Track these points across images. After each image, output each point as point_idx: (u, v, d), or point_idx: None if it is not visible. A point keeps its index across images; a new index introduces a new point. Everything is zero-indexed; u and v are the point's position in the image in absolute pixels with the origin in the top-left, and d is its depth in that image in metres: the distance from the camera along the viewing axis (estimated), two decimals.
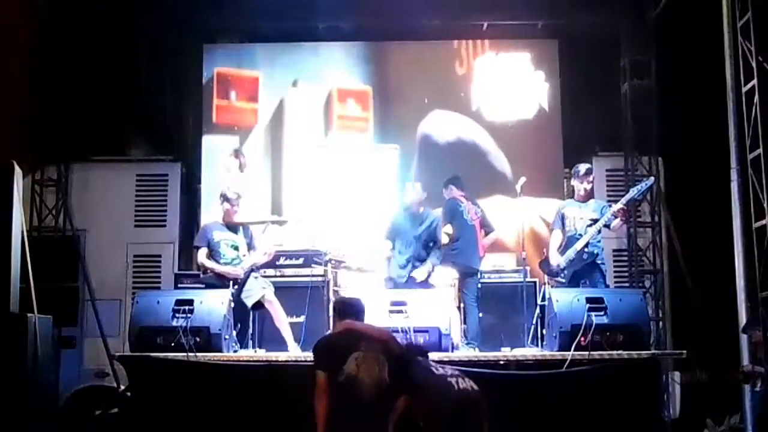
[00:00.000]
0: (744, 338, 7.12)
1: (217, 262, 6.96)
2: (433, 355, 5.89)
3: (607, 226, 6.93)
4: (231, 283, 6.81)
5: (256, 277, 6.96)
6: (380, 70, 9.72)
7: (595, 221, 6.93)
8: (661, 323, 9.02)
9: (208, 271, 6.98)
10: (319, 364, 4.87)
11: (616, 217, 6.87)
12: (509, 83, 9.66)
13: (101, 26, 9.01)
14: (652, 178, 7.32)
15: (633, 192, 6.97)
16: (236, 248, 7.04)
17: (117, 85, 9.23)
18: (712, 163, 8.10)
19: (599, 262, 6.99)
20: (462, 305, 7.39)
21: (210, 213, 9.16)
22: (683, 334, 8.73)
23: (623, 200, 6.91)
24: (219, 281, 6.86)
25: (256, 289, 6.85)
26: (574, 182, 7.23)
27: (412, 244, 7.53)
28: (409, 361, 4.85)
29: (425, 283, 7.34)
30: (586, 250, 6.86)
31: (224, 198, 7.17)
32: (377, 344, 4.78)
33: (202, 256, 7.01)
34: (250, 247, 7.11)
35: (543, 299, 7.08)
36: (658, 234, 9.35)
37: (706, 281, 8.42)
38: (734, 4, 7.35)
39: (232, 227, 7.12)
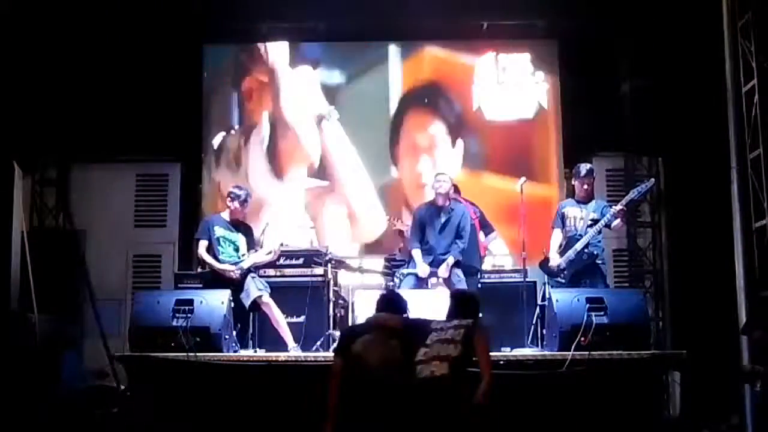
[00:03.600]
0: (744, 338, 7.11)
1: (216, 258, 6.96)
2: None
3: (607, 226, 6.92)
4: (229, 282, 6.83)
5: (253, 277, 6.95)
6: (380, 70, 9.73)
7: (596, 221, 6.93)
8: (661, 323, 9.03)
9: (207, 265, 6.99)
10: (337, 348, 5.00)
11: (616, 218, 6.86)
12: (509, 83, 9.67)
13: (101, 26, 9.00)
14: (653, 180, 7.30)
15: (633, 193, 6.95)
16: (236, 248, 7.03)
17: (117, 85, 9.21)
18: (712, 163, 8.09)
19: (599, 262, 6.99)
20: None
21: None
22: (683, 334, 8.72)
23: (624, 201, 6.90)
24: (217, 279, 6.88)
25: (253, 291, 6.85)
26: (574, 182, 7.22)
27: (435, 238, 7.27)
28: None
29: (423, 283, 7.27)
30: (586, 250, 6.85)
31: (232, 197, 7.11)
32: (387, 329, 4.85)
33: (202, 249, 7.02)
34: (253, 245, 7.09)
35: (543, 299, 7.08)
36: (658, 234, 9.35)
37: (706, 281, 8.41)
38: (734, 4, 7.36)
39: (236, 225, 7.11)
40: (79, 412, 8.23)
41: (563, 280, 6.93)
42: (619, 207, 6.84)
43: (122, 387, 7.71)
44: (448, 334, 4.86)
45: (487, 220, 7.91)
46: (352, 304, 7.05)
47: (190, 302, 6.28)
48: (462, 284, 7.09)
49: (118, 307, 8.88)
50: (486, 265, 7.95)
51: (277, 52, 9.77)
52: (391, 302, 5.17)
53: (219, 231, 7.03)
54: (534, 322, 7.13)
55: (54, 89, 8.97)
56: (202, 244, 7.02)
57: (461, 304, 5.16)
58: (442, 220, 7.27)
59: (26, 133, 8.39)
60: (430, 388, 4.69)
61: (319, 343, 7.24)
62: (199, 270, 7.22)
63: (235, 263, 6.92)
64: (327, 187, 9.51)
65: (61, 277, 8.79)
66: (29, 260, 6.76)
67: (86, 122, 9.21)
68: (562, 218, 7.13)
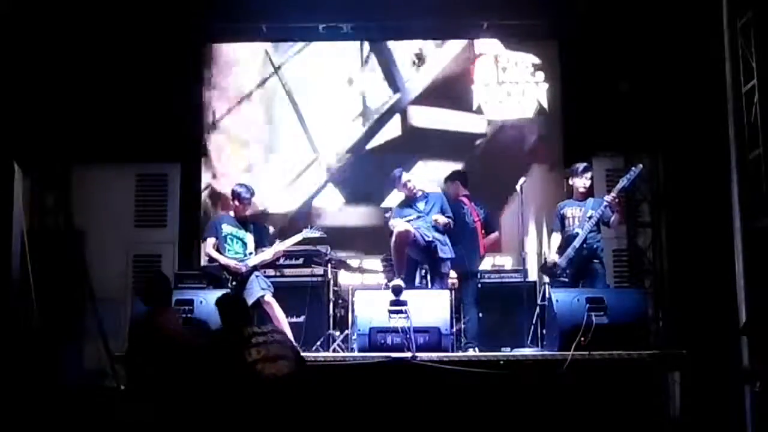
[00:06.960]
0: (744, 338, 7.11)
1: (222, 255, 7.00)
2: (433, 355, 5.94)
3: (606, 223, 6.94)
4: (231, 278, 6.84)
5: (257, 276, 6.97)
6: (380, 69, 9.74)
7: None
8: (661, 323, 9.02)
9: (214, 261, 7.02)
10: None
11: (610, 209, 6.87)
12: (509, 83, 9.67)
13: (101, 25, 9.00)
14: (641, 165, 7.17)
15: (623, 181, 6.94)
16: (244, 244, 7.06)
17: (117, 85, 9.21)
18: (711, 162, 8.09)
19: (597, 261, 6.98)
20: (461, 306, 7.39)
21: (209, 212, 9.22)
22: (683, 334, 8.72)
23: (614, 190, 6.92)
24: (221, 273, 6.89)
25: (256, 289, 6.86)
26: (572, 181, 7.22)
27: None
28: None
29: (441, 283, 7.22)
30: (584, 245, 6.85)
31: (233, 194, 7.18)
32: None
33: (209, 246, 7.07)
34: (261, 244, 7.11)
35: (543, 299, 7.09)
36: (658, 234, 9.35)
37: (706, 281, 8.40)
38: (734, 4, 7.35)
39: (243, 222, 7.14)
40: (79, 412, 8.25)
41: (566, 279, 6.91)
42: (610, 197, 6.86)
43: (122, 387, 7.71)
44: (277, 337, 4.79)
45: (491, 220, 7.92)
46: (352, 304, 7.05)
47: (190, 302, 6.29)
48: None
49: (118, 307, 8.87)
50: (486, 265, 7.94)
51: (277, 51, 9.80)
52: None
53: (227, 228, 7.09)
54: (534, 322, 7.14)
55: (54, 89, 8.96)
56: (210, 242, 7.09)
57: (230, 308, 5.12)
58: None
59: (27, 133, 8.39)
60: (278, 386, 4.59)
61: (319, 343, 7.25)
62: (205, 264, 7.22)
63: (241, 260, 6.94)
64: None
65: (61, 276, 8.79)
66: (29, 260, 6.76)
67: (86, 122, 9.20)
68: (561, 219, 7.12)
